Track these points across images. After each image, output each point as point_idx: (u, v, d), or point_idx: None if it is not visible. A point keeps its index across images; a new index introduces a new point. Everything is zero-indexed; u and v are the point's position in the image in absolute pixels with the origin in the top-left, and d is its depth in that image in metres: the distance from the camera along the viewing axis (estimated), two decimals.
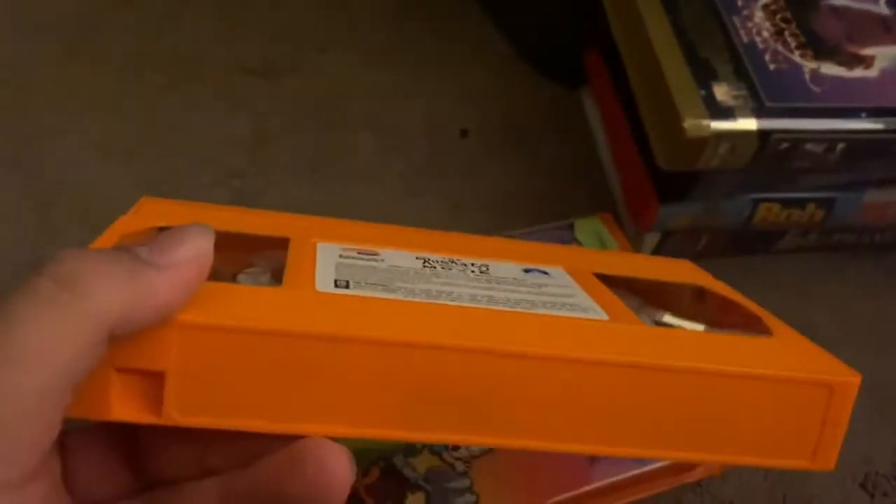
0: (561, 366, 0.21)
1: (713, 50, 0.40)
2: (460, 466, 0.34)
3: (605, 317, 0.25)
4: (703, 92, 0.38)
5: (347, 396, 0.20)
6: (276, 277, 0.25)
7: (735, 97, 0.38)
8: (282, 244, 0.27)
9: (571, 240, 0.44)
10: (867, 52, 0.41)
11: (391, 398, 0.20)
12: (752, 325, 0.28)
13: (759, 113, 0.37)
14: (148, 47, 0.54)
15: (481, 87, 0.56)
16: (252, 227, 0.29)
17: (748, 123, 0.37)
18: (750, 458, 0.24)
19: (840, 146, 0.38)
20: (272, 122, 0.52)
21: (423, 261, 0.27)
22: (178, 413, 0.20)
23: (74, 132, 0.49)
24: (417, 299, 0.23)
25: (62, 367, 0.17)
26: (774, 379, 0.23)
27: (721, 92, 0.38)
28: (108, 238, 0.25)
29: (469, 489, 0.34)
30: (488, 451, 0.35)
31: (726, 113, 0.37)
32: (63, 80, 0.52)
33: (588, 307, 0.26)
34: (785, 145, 0.38)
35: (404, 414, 0.21)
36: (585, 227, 0.45)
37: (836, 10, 0.43)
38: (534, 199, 0.50)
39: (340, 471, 0.19)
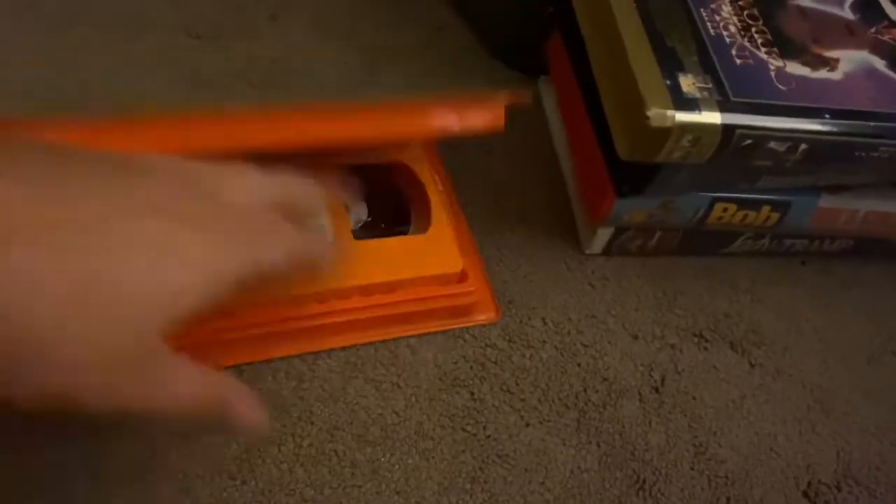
0: None
1: (680, 39, 0.38)
2: None
3: None
4: (668, 82, 0.36)
5: None
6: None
7: (700, 89, 0.37)
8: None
9: None
10: (832, 54, 0.41)
11: None
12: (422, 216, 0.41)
13: (724, 107, 0.36)
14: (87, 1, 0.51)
15: (435, 70, 0.53)
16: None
17: (713, 117, 0.36)
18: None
19: (802, 147, 0.38)
20: (214, 88, 0.49)
21: None
22: None
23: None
24: None
25: None
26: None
27: (686, 83, 0.37)
28: None
29: None
30: None
31: (691, 104, 0.36)
32: None
33: None
34: (748, 142, 0.37)
35: None
36: None
37: (802, 11, 0.43)
38: (488, 187, 0.48)
39: None
